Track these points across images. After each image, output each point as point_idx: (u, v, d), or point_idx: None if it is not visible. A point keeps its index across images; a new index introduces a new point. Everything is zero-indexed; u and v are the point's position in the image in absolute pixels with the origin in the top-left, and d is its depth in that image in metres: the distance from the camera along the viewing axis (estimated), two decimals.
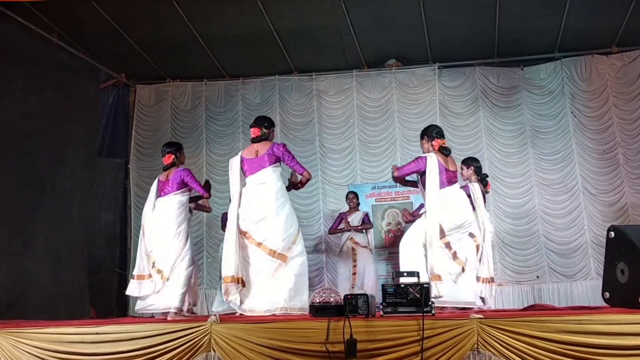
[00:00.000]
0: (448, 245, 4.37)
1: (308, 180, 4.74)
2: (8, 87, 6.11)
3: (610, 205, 7.46)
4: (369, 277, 6.92)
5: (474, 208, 5.02)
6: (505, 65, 8.12)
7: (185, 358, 3.17)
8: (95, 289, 7.16)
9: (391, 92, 8.29)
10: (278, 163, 4.64)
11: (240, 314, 4.43)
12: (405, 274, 3.45)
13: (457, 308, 4.44)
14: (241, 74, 8.54)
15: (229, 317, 4.10)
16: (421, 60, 8.20)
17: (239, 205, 4.55)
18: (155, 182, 5.13)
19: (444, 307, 4.31)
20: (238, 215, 4.51)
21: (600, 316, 2.91)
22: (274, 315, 4.26)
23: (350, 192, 7.42)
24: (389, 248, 7.70)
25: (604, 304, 3.66)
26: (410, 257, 4.37)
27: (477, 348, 2.92)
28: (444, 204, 4.39)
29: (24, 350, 3.36)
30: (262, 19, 6.88)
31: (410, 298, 3.18)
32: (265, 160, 4.58)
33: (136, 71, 8.41)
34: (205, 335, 3.19)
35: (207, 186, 5.17)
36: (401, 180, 4.79)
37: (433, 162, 4.45)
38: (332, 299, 3.42)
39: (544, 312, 3.71)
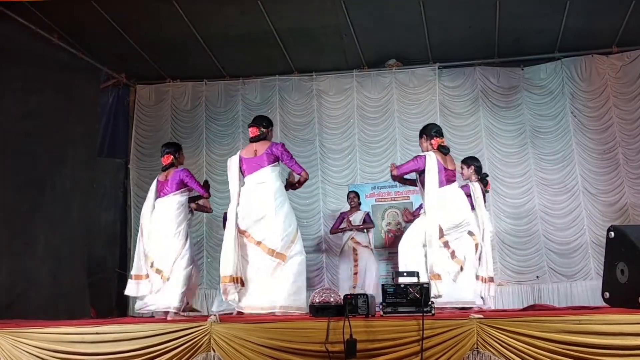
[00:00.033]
0: (446, 245, 4.37)
1: (306, 180, 4.73)
2: (8, 87, 6.11)
3: (610, 205, 7.46)
4: (371, 277, 6.91)
5: (473, 207, 5.02)
6: (505, 65, 8.12)
7: (185, 358, 3.18)
8: (95, 289, 7.16)
9: (391, 92, 8.29)
10: (277, 162, 4.64)
11: (238, 312, 4.43)
12: (405, 274, 3.46)
13: (457, 308, 4.44)
14: (241, 74, 8.54)
15: (229, 317, 4.11)
16: (421, 60, 8.19)
17: (238, 204, 4.55)
18: (154, 183, 5.13)
19: (444, 309, 4.31)
20: (237, 215, 4.52)
21: (600, 316, 2.91)
22: (272, 314, 4.26)
23: (351, 191, 7.42)
24: (389, 248, 7.69)
25: (604, 304, 3.66)
26: (409, 257, 4.37)
27: (477, 348, 2.92)
28: (442, 202, 4.38)
29: (24, 350, 3.36)
30: (262, 19, 6.88)
31: (410, 298, 3.18)
32: (264, 160, 4.59)
33: (136, 71, 8.41)
34: (205, 335, 3.20)
35: (206, 186, 5.18)
36: (400, 178, 4.78)
37: (432, 161, 4.44)
38: (332, 299, 3.41)
39: (544, 312, 3.71)
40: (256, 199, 4.52)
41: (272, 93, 8.53)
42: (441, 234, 4.34)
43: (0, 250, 5.75)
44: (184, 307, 4.96)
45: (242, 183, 4.64)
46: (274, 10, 6.77)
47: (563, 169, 7.73)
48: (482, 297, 4.83)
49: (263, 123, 4.77)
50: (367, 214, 7.30)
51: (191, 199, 5.30)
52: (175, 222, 4.89)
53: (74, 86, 7.23)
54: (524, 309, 5.21)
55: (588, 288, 7.22)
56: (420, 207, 5.47)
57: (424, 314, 3.02)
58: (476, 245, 4.80)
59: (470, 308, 4.44)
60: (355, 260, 7.01)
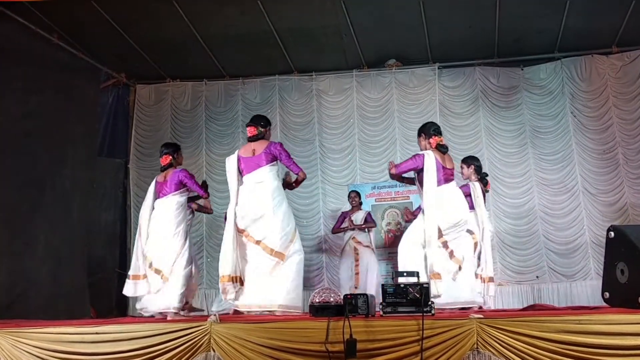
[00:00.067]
0: (445, 245, 4.37)
1: (303, 180, 4.72)
2: (8, 87, 6.12)
3: (610, 205, 7.46)
4: (372, 277, 6.91)
5: (473, 207, 5.02)
6: (505, 65, 8.12)
7: (185, 358, 3.17)
8: (95, 289, 7.16)
9: (391, 92, 8.29)
10: (275, 162, 4.65)
11: (235, 311, 4.44)
12: (404, 274, 3.46)
13: (457, 308, 4.44)
14: (241, 74, 8.54)
15: (229, 317, 4.11)
16: (421, 60, 8.20)
17: (236, 204, 4.56)
18: (153, 184, 5.13)
19: (444, 309, 4.31)
20: (235, 214, 4.52)
21: (600, 316, 2.91)
22: (271, 312, 4.27)
23: (352, 191, 7.42)
24: (389, 248, 7.69)
25: (604, 304, 3.66)
26: (409, 257, 4.36)
27: (477, 348, 2.92)
28: (440, 201, 4.37)
29: (24, 350, 3.36)
30: (262, 19, 6.88)
31: (410, 298, 3.17)
32: (262, 159, 4.59)
33: (136, 71, 8.41)
34: (205, 335, 3.20)
35: (204, 186, 5.18)
36: (398, 177, 4.76)
37: (430, 160, 4.43)
38: (331, 299, 3.42)
39: (544, 312, 3.70)
40: (254, 198, 4.52)
41: (272, 93, 8.53)
42: (440, 234, 4.33)
43: (0, 250, 5.75)
44: (183, 307, 4.97)
45: (240, 182, 4.65)
46: (274, 10, 6.78)
47: (563, 169, 7.73)
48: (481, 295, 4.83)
49: (261, 122, 4.78)
50: (369, 214, 7.29)
51: (190, 199, 5.30)
52: (174, 222, 4.89)
53: (74, 86, 7.23)
54: (524, 309, 5.20)
55: (588, 288, 7.22)
56: (420, 207, 5.47)
57: (424, 314, 3.02)
58: (475, 243, 4.79)
59: (470, 308, 4.44)
60: (357, 260, 7.01)
